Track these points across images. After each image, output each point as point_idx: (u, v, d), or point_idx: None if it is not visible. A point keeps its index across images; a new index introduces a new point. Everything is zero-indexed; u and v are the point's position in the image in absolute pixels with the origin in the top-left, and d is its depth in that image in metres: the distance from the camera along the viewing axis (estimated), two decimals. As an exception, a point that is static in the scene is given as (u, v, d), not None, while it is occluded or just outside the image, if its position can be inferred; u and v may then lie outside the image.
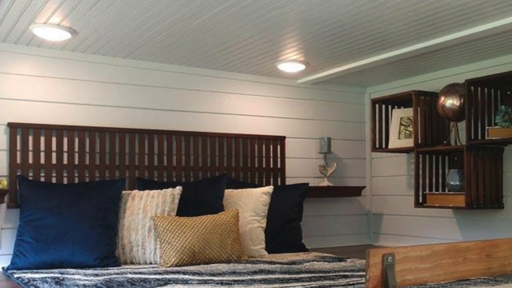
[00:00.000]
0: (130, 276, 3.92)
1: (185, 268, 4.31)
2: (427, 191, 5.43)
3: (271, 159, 5.97)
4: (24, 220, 4.41)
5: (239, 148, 5.77)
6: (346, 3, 3.87)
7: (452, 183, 5.20)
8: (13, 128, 4.76)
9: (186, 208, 4.85)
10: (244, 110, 5.92)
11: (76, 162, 4.98)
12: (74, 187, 4.70)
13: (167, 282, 3.67)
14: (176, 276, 3.92)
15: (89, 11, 4.01)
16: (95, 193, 4.61)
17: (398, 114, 5.84)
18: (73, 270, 4.18)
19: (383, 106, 6.01)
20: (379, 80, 6.28)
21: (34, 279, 3.80)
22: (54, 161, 4.89)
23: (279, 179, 5.99)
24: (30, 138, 4.81)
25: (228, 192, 5.21)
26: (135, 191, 4.83)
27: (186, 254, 4.44)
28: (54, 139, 4.90)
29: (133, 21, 4.22)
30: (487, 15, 4.09)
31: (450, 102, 5.14)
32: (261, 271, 4.15)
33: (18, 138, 4.77)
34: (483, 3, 3.86)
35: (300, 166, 6.23)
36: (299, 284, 3.65)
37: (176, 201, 4.78)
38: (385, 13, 4.07)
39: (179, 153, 5.44)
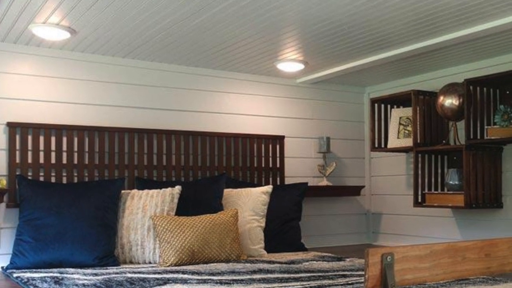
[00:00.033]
0: (129, 275, 3.92)
1: (184, 267, 4.31)
2: (426, 191, 5.43)
3: (270, 158, 5.98)
4: (23, 219, 4.41)
5: (238, 148, 5.77)
6: (345, 2, 3.87)
7: (451, 182, 5.21)
8: (12, 127, 4.76)
9: (185, 207, 4.85)
10: (243, 109, 5.92)
11: (75, 161, 4.98)
12: (73, 187, 4.70)
13: (166, 281, 3.67)
14: (175, 275, 3.92)
15: (88, 11, 4.01)
16: (94, 192, 4.61)
17: (397, 114, 5.84)
18: (72, 270, 4.18)
19: (382, 105, 6.02)
20: (378, 79, 6.29)
21: (33, 279, 3.80)
22: (53, 160, 4.89)
23: (278, 179, 6.00)
24: (29, 137, 4.81)
25: (227, 191, 5.22)
26: (134, 191, 4.83)
27: (185, 253, 4.45)
28: (53, 139, 4.90)
29: (132, 20, 4.22)
30: (486, 15, 4.10)
31: (449, 101, 5.15)
32: (260, 271, 4.15)
33: (17, 137, 4.77)
34: (482, 3, 3.86)
35: (299, 166, 6.23)
36: (298, 283, 3.65)
37: (175, 200, 4.78)
38: (384, 13, 4.07)
39: (178, 153, 5.44)
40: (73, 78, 5.07)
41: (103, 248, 4.42)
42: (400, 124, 5.78)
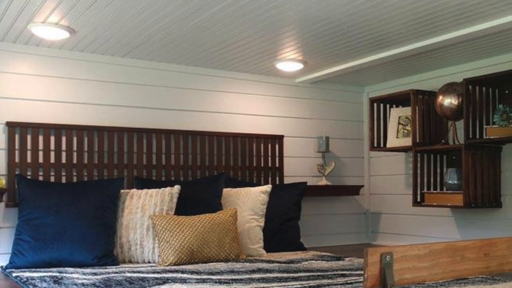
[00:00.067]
0: (129, 275, 3.92)
1: (184, 267, 4.31)
2: (425, 190, 5.43)
3: (269, 158, 5.98)
4: (23, 219, 4.41)
5: (238, 147, 5.78)
6: (344, 2, 3.87)
7: (450, 182, 5.21)
8: (12, 127, 4.76)
9: (184, 207, 4.86)
10: (243, 109, 5.92)
11: (75, 161, 4.98)
12: (73, 186, 4.70)
13: (166, 281, 3.67)
14: (174, 275, 3.92)
15: (88, 10, 4.01)
16: (94, 192, 4.61)
17: (396, 113, 5.84)
18: (71, 269, 4.18)
19: (381, 105, 6.02)
20: (377, 79, 6.29)
21: (32, 278, 3.80)
22: (52, 160, 4.89)
23: (277, 178, 6.00)
24: (29, 137, 4.82)
25: (226, 191, 5.22)
26: (134, 190, 4.83)
27: (184, 253, 4.45)
28: (52, 138, 4.90)
29: (132, 20, 4.22)
30: (485, 14, 4.10)
31: (448, 101, 5.15)
32: (259, 270, 4.15)
33: (17, 137, 4.77)
34: (480, 2, 3.86)
35: (298, 165, 6.23)
36: (297, 283, 3.66)
37: (175, 200, 4.78)
38: (383, 12, 4.08)
39: (178, 152, 5.44)
40: (72, 77, 5.07)
41: (102, 247, 4.42)
42: (399, 123, 5.78)
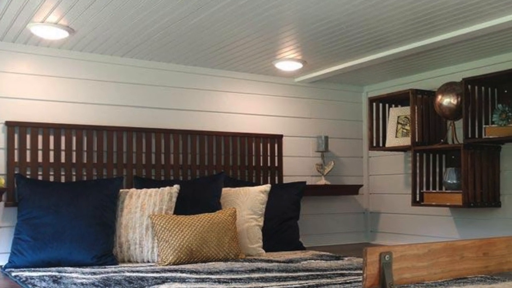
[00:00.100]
0: (128, 274, 3.92)
1: (183, 266, 4.31)
2: (424, 190, 5.44)
3: (269, 157, 5.98)
4: (22, 218, 4.42)
5: (237, 147, 5.78)
6: (343, 1, 3.87)
7: (449, 181, 5.21)
8: (11, 126, 4.76)
9: (183, 206, 4.86)
10: (242, 108, 5.93)
11: (74, 160, 4.98)
12: (72, 186, 4.70)
13: (165, 280, 3.68)
14: (173, 274, 3.93)
15: (87, 10, 4.01)
16: (93, 191, 4.61)
17: (395, 113, 5.84)
18: (70, 269, 4.18)
19: (380, 104, 6.02)
20: (376, 78, 6.29)
21: (31, 278, 3.80)
22: (51, 159, 4.89)
23: (276, 178, 6.00)
24: (28, 136, 4.81)
25: (225, 190, 5.22)
26: (133, 190, 4.83)
27: (183, 252, 4.45)
28: (51, 138, 4.90)
29: (131, 19, 4.22)
30: (484, 14, 4.10)
31: (447, 100, 5.15)
32: (258, 270, 4.15)
33: (16, 136, 4.78)
34: (480, 2, 3.87)
35: (298, 165, 6.23)
36: (297, 282, 3.66)
37: (174, 199, 4.78)
38: (382, 12, 4.08)
39: (177, 152, 5.44)
40: (72, 77, 5.07)
41: (102, 247, 4.42)
42: (398, 123, 5.79)
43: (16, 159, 4.76)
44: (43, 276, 3.86)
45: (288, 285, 3.56)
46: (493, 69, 5.09)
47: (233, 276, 3.86)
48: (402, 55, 5.07)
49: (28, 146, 4.81)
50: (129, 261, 4.59)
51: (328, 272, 4.06)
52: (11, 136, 4.75)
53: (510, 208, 5.10)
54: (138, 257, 4.58)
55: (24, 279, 3.78)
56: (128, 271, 4.05)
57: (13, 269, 4.20)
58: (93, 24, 4.34)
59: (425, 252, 2.20)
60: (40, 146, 4.85)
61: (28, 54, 4.89)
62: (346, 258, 4.80)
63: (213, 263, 4.50)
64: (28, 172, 4.79)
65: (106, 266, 4.31)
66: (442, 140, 5.41)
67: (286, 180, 6.03)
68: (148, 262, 4.57)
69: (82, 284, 3.57)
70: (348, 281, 3.70)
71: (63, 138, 4.95)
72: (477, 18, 4.19)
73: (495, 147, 5.14)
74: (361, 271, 2.11)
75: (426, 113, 5.49)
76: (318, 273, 4.04)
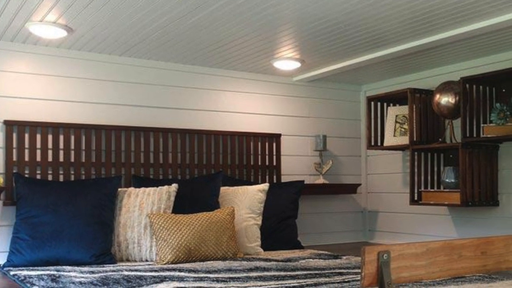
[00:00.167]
0: (126, 273, 3.92)
1: (181, 265, 4.31)
2: (422, 189, 5.44)
3: (267, 156, 5.98)
4: (20, 217, 4.42)
5: (235, 146, 5.78)
6: (341, 1, 3.87)
7: (447, 180, 5.22)
8: (9, 125, 4.76)
9: (182, 205, 4.86)
10: (240, 107, 5.93)
11: (72, 159, 4.98)
12: (70, 185, 4.70)
13: (163, 279, 3.68)
14: (172, 273, 3.93)
15: (85, 9, 4.01)
16: (91, 190, 4.61)
17: (393, 112, 5.85)
18: (69, 268, 4.18)
19: (379, 103, 6.02)
20: (374, 77, 6.30)
21: (30, 276, 3.80)
22: (50, 158, 4.89)
23: (274, 177, 6.00)
24: (26, 135, 4.81)
25: (223, 189, 5.22)
26: (131, 189, 4.83)
27: (182, 251, 4.45)
28: (50, 137, 4.90)
29: (129, 19, 4.22)
30: (482, 13, 4.10)
31: (446, 99, 5.15)
32: (256, 269, 4.15)
33: (14, 135, 4.77)
34: (478, 1, 3.87)
35: (296, 164, 6.24)
36: (295, 281, 3.66)
37: (172, 198, 4.78)
38: (380, 11, 4.08)
39: (175, 151, 5.44)
40: (70, 76, 5.07)
41: (100, 246, 4.43)
42: (396, 122, 5.79)
43: (14, 158, 4.76)
44: (41, 275, 3.86)
45: (286, 284, 3.57)
46: (491, 68, 5.09)
47: (231, 275, 3.86)
48: (400, 54, 5.07)
49: (26, 145, 4.81)
50: (128, 260, 4.59)
51: (326, 271, 4.06)
52: (9, 135, 4.75)
53: (508, 207, 5.11)
54: (136, 256, 4.58)
55: (22, 278, 3.79)
56: (126, 270, 4.05)
57: (11, 268, 4.20)
58: (92, 23, 4.34)
59: (423, 251, 2.21)
60: (38, 145, 4.85)
61: (27, 53, 4.89)
62: (344, 257, 4.80)
63: (212, 262, 4.50)
64: (26, 171, 4.79)
65: (105, 265, 4.31)
66: (440, 139, 5.41)
67: (284, 179, 6.04)
68: (147, 261, 4.57)
69: (80, 283, 3.57)
70: (346, 280, 3.70)
71: (61, 137, 4.95)
72: (475, 17, 4.20)
73: (493, 146, 5.14)
74: (359, 270, 2.11)
75: (424, 112, 5.50)
76: (316, 272, 4.04)
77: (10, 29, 4.45)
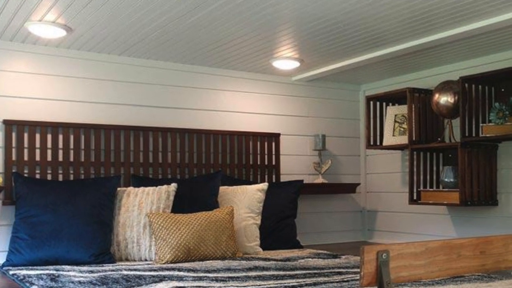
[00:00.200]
0: (125, 272, 3.92)
1: (180, 264, 4.32)
2: (421, 188, 5.45)
3: (266, 156, 5.98)
4: (20, 217, 4.42)
5: (234, 145, 5.78)
6: (341, 0, 3.87)
7: (446, 180, 5.22)
8: (8, 125, 4.76)
9: (181, 205, 4.86)
10: (239, 107, 5.93)
11: (71, 159, 4.98)
12: (69, 184, 4.70)
13: (162, 278, 3.68)
14: (171, 272, 3.93)
15: (84, 9, 4.01)
16: (90, 190, 4.61)
17: (392, 111, 5.85)
18: (68, 267, 4.18)
19: (378, 103, 6.02)
20: (373, 77, 6.30)
21: (29, 276, 3.80)
22: (49, 158, 4.89)
23: (273, 176, 6.01)
24: (26, 135, 4.81)
25: (223, 189, 5.22)
26: (130, 188, 4.83)
27: (181, 251, 4.45)
28: (49, 136, 4.90)
29: (128, 18, 4.22)
30: (481, 13, 4.11)
31: (445, 99, 5.15)
32: (255, 268, 4.16)
33: (14, 135, 4.78)
34: (477, 1, 3.87)
35: (295, 163, 6.24)
36: (294, 280, 3.66)
37: (171, 198, 4.78)
38: (379, 11, 4.08)
39: (174, 150, 5.44)
40: (69, 75, 5.07)
41: (99, 245, 4.43)
42: (395, 121, 5.79)
43: (13, 158, 4.76)
44: (40, 274, 3.86)
45: (285, 283, 3.57)
46: (490, 67, 5.10)
47: (230, 275, 3.86)
48: (399, 53, 5.07)
49: (25, 144, 4.81)
50: (127, 260, 4.59)
51: (326, 271, 4.07)
52: (8, 134, 4.75)
53: (507, 207, 5.12)
54: (135, 255, 4.58)
55: (22, 277, 3.79)
56: (125, 270, 4.05)
57: (11, 268, 4.20)
58: (91, 23, 4.34)
59: (422, 251, 2.21)
60: (37, 144, 4.85)
61: (26, 53, 4.89)
62: (343, 257, 4.81)
63: (211, 261, 4.50)
64: (25, 171, 4.79)
65: (104, 265, 4.32)
66: (439, 139, 5.41)
67: (283, 178, 6.04)
68: (146, 260, 4.57)
69: (79, 282, 3.57)
70: (345, 279, 3.70)
71: (60, 137, 4.95)
72: (474, 17, 4.20)
73: (492, 146, 5.15)
74: (359, 270, 2.11)
75: (423, 111, 5.50)
76: (315, 271, 4.04)
77: (9, 28, 4.45)
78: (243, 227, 5.01)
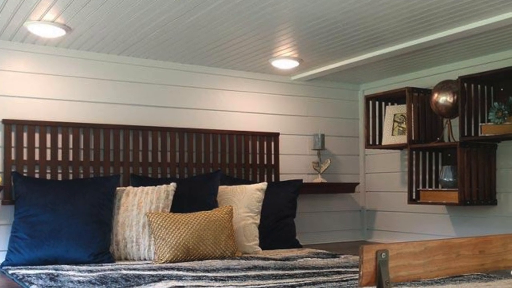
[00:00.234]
0: (125, 272, 3.92)
1: (179, 264, 4.32)
2: (420, 188, 5.45)
3: (265, 155, 5.98)
4: (19, 216, 4.42)
5: (233, 145, 5.78)
6: (340, 0, 3.88)
7: (445, 179, 5.22)
8: (8, 124, 4.76)
9: (180, 204, 4.86)
10: (238, 106, 5.93)
11: (71, 158, 4.98)
12: (69, 184, 4.70)
13: (161, 278, 3.68)
14: (170, 272, 3.93)
15: (84, 8, 4.01)
16: (90, 189, 4.61)
17: (391, 111, 5.85)
18: (67, 266, 4.18)
19: (377, 102, 6.03)
20: (372, 77, 6.30)
21: (28, 275, 3.80)
22: (48, 157, 4.89)
23: (273, 176, 6.01)
24: (25, 134, 4.81)
25: (222, 188, 5.22)
26: (129, 188, 4.83)
27: (180, 250, 4.45)
28: (48, 136, 4.90)
29: (128, 18, 4.22)
30: (480, 12, 4.11)
31: (444, 98, 5.16)
32: (255, 267, 4.16)
33: (13, 134, 4.77)
34: (476, 0, 3.87)
35: (294, 163, 6.24)
36: (293, 280, 3.66)
37: (170, 197, 4.79)
38: (378, 10, 4.08)
39: (173, 150, 5.44)
40: (68, 75, 5.07)
41: (98, 245, 4.43)
42: (394, 121, 5.80)
43: (13, 157, 4.76)
44: (40, 274, 3.86)
45: (284, 283, 3.57)
46: (489, 67, 5.10)
47: (229, 274, 3.86)
48: (398, 53, 5.07)
49: (25, 144, 4.81)
50: (126, 259, 4.60)
51: (325, 270, 4.07)
52: (8, 134, 4.75)
53: (506, 206, 5.12)
54: (134, 255, 4.58)
55: (21, 277, 3.79)
56: (125, 269, 4.05)
57: (10, 267, 4.20)
58: (90, 22, 4.34)
59: (421, 250, 2.21)
60: (37, 144, 4.85)
61: (25, 52, 4.89)
62: (342, 256, 4.81)
63: (210, 261, 4.50)
64: (25, 170, 4.79)
65: (103, 264, 4.32)
66: (438, 138, 5.42)
67: (282, 178, 6.04)
68: (145, 260, 4.57)
69: (79, 282, 3.57)
70: (344, 279, 3.70)
71: (60, 136, 4.95)
72: (473, 16, 4.20)
73: (491, 145, 5.15)
74: (358, 269, 2.11)
75: (422, 111, 5.50)
76: (314, 271, 4.04)
77: (8, 28, 4.45)
78: (242, 226, 5.01)
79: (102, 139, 5.13)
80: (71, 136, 4.99)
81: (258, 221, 5.12)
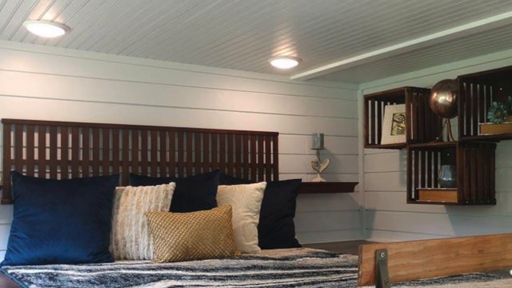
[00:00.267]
0: (124, 271, 3.92)
1: (178, 263, 4.32)
2: (419, 187, 5.45)
3: (264, 155, 5.98)
4: (18, 216, 4.42)
5: (232, 144, 5.78)
6: None
7: (444, 179, 5.22)
8: (7, 124, 4.76)
9: (179, 204, 4.86)
10: (237, 106, 5.93)
11: (70, 158, 4.98)
12: (68, 183, 4.70)
13: (161, 277, 3.68)
14: (169, 271, 3.93)
15: (83, 8, 4.01)
16: (89, 189, 4.61)
17: (390, 110, 5.85)
18: (66, 266, 4.18)
19: (376, 102, 6.03)
20: (371, 76, 6.30)
21: (28, 275, 3.80)
22: (47, 157, 4.89)
23: (272, 175, 6.01)
24: (24, 134, 4.81)
25: (221, 188, 5.22)
26: (129, 187, 4.83)
27: (179, 249, 4.45)
28: (47, 135, 4.90)
29: (127, 17, 4.22)
30: (480, 12, 4.11)
31: (443, 98, 5.16)
32: (254, 267, 4.16)
33: (12, 134, 4.77)
34: None
35: (293, 162, 6.24)
36: (292, 279, 3.66)
37: (170, 197, 4.79)
38: (377, 10, 4.09)
39: (172, 149, 5.45)
40: (68, 75, 5.07)
41: (98, 244, 4.43)
42: (393, 120, 5.80)
43: (12, 157, 4.76)
44: (39, 273, 3.86)
45: (283, 282, 3.57)
46: (488, 66, 5.10)
47: (228, 273, 3.87)
48: (397, 52, 5.07)
49: (24, 143, 4.81)
50: (125, 259, 4.60)
51: (324, 270, 4.07)
52: (7, 133, 4.75)
53: (505, 206, 5.12)
54: (134, 254, 4.58)
55: (20, 276, 3.79)
56: (124, 269, 4.05)
57: (9, 267, 4.20)
58: (89, 22, 4.34)
59: (420, 250, 2.21)
60: (36, 143, 4.85)
61: (24, 52, 4.89)
62: (341, 256, 4.81)
63: (209, 260, 4.50)
64: (24, 170, 4.79)
65: (102, 264, 4.32)
66: (437, 138, 5.42)
67: (281, 177, 6.04)
68: (144, 259, 4.57)
69: (78, 281, 3.57)
70: (343, 278, 3.71)
71: (59, 136, 4.95)
72: (472, 16, 4.21)
73: (490, 145, 5.15)
74: (357, 269, 2.11)
75: (421, 110, 5.50)
76: (313, 270, 4.04)
77: (7, 27, 4.45)
78: (242, 226, 5.01)
79: (101, 138, 5.13)
80: (70, 136, 4.99)
81: (257, 221, 5.12)
